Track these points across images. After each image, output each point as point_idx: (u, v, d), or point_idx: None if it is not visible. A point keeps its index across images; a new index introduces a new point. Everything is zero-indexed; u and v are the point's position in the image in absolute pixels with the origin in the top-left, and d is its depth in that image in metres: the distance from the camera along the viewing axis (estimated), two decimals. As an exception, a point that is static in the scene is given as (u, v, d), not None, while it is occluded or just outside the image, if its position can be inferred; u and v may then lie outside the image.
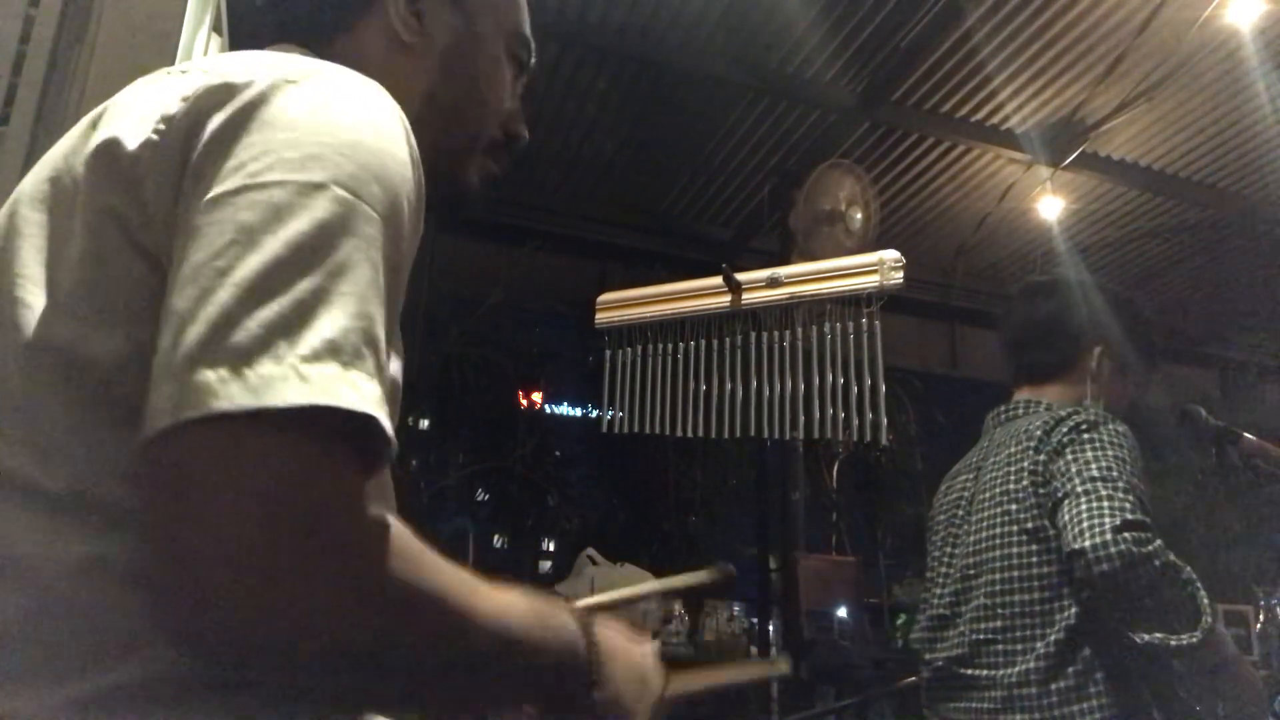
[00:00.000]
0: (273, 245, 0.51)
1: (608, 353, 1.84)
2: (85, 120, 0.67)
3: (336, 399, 0.49)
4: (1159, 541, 1.37)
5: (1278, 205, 4.90)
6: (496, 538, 6.58)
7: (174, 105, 0.60)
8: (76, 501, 0.55)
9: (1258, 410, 6.03)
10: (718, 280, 1.74)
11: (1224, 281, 5.72)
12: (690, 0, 3.75)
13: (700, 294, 1.77)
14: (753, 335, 1.73)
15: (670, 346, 1.79)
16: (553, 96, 4.35)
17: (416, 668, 0.54)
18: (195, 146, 0.57)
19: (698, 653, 4.29)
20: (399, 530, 0.52)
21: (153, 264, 0.57)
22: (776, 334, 1.71)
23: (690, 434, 1.75)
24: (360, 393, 0.50)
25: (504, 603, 0.60)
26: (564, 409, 6.06)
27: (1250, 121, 4.36)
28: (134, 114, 0.62)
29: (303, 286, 0.51)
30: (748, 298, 1.72)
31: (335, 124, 0.59)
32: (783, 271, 1.70)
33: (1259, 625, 2.43)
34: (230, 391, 0.47)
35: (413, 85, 0.78)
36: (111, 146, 0.60)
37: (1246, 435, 1.77)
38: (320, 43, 0.75)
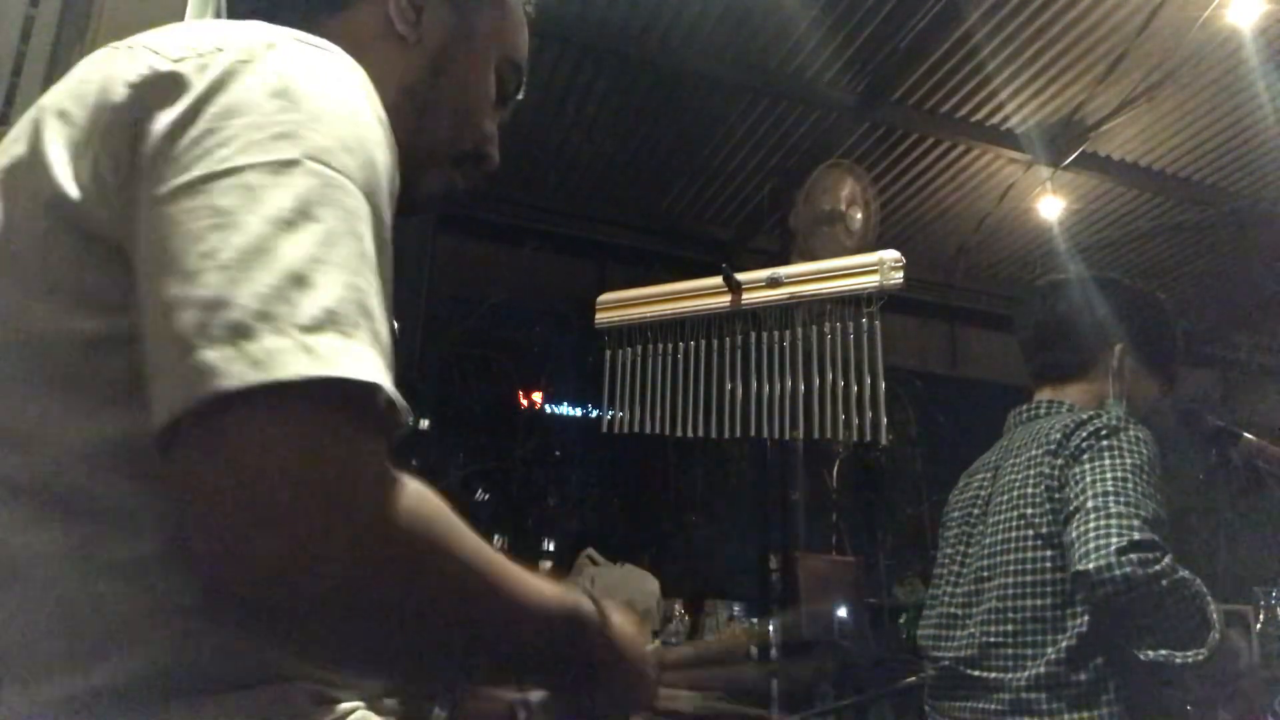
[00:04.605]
0: (254, 223, 0.50)
1: (608, 353, 1.83)
2: (36, 105, 0.65)
3: (341, 369, 0.48)
4: (1168, 559, 1.35)
5: (1278, 205, 4.89)
6: (496, 538, 6.57)
7: (119, 92, 0.58)
8: (57, 491, 0.54)
9: (1258, 410, 6.02)
10: (718, 280, 1.74)
11: (1224, 281, 5.71)
12: (690, 0, 3.75)
13: (700, 294, 1.76)
14: (753, 335, 1.73)
15: (670, 346, 1.78)
16: (553, 96, 4.35)
17: (439, 628, 0.54)
18: (146, 137, 0.56)
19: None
20: (425, 494, 0.53)
21: (108, 247, 0.56)
22: (776, 334, 1.71)
23: (690, 434, 1.74)
24: (362, 362, 0.49)
25: (525, 578, 0.61)
26: (564, 409, 6.05)
27: (1250, 121, 4.35)
28: (79, 99, 0.61)
29: (292, 258, 0.50)
30: (748, 298, 1.71)
31: (297, 99, 0.57)
32: (783, 271, 1.70)
33: (1259, 625, 2.42)
34: (235, 370, 0.46)
35: (394, 75, 0.77)
36: (57, 132, 0.59)
37: (1246, 435, 1.77)
38: (316, 18, 0.75)
